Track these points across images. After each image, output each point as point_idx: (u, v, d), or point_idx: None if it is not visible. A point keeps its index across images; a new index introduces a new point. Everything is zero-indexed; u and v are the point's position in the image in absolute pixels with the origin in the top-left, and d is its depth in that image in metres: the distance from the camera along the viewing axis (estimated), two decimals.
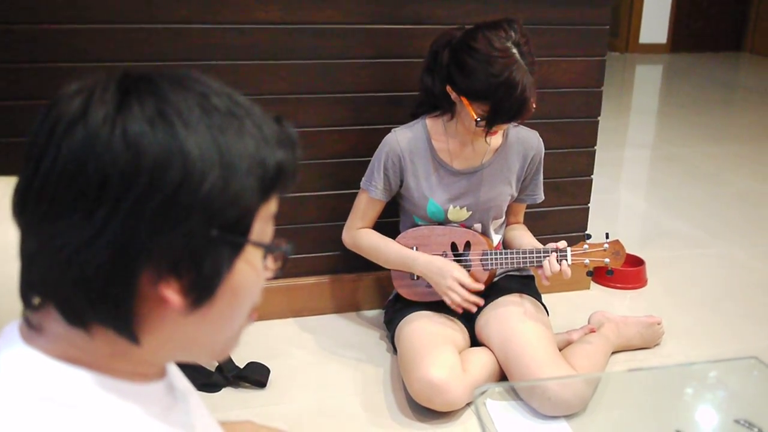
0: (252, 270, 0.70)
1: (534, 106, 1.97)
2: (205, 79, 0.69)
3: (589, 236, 2.14)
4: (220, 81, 0.70)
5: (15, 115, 2.11)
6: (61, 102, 0.65)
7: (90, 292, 0.64)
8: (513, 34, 1.93)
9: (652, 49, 8.61)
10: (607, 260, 2.11)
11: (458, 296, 2.09)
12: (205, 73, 0.70)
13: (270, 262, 0.73)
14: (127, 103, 0.63)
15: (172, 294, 0.65)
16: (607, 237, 2.14)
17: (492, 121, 1.97)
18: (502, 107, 1.93)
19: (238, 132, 0.66)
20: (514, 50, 1.91)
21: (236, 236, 0.67)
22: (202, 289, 0.67)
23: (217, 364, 2.11)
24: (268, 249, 0.72)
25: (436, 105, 2.13)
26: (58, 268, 0.64)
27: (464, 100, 1.99)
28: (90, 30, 2.08)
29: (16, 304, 0.72)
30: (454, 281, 2.09)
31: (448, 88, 2.02)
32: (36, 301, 0.69)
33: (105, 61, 2.10)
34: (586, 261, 2.10)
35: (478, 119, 1.98)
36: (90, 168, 0.62)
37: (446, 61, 2.01)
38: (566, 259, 2.07)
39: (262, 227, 0.71)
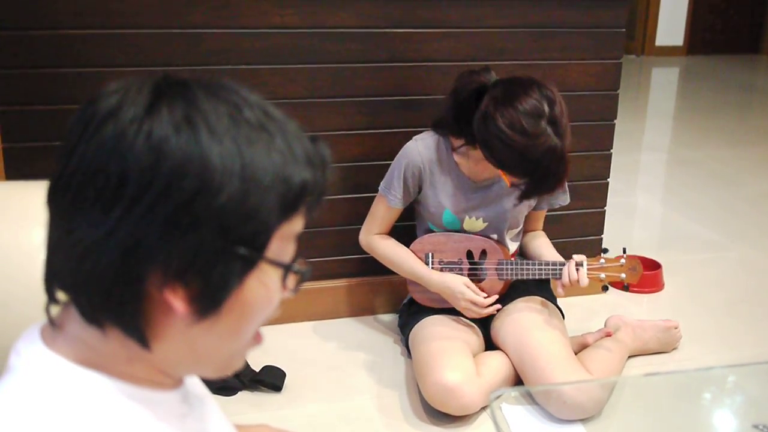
0: (264, 287, 0.69)
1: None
2: (243, 90, 0.69)
3: (606, 251, 2.12)
4: (259, 94, 0.70)
5: (37, 120, 2.12)
6: (99, 99, 0.65)
7: (100, 288, 0.65)
8: (546, 107, 1.84)
9: (669, 51, 8.57)
10: (623, 275, 2.09)
11: (475, 313, 2.12)
12: (235, 80, 0.70)
13: (288, 282, 0.72)
14: (157, 105, 0.64)
15: (176, 301, 0.65)
16: (624, 252, 2.13)
17: (528, 195, 1.97)
18: (540, 186, 1.92)
19: (266, 147, 0.65)
20: (549, 130, 1.83)
21: (249, 252, 0.66)
22: (208, 300, 0.66)
23: None
24: (283, 268, 0.70)
25: (462, 136, 2.07)
26: (74, 261, 0.65)
27: (500, 171, 1.96)
28: (108, 35, 2.10)
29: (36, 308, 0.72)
30: (467, 303, 2.10)
31: (481, 150, 1.95)
32: (59, 294, 0.69)
33: (124, 66, 2.12)
34: (602, 275, 2.09)
35: (514, 185, 1.97)
36: (112, 166, 0.62)
37: (477, 123, 1.92)
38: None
39: (282, 246, 0.69)
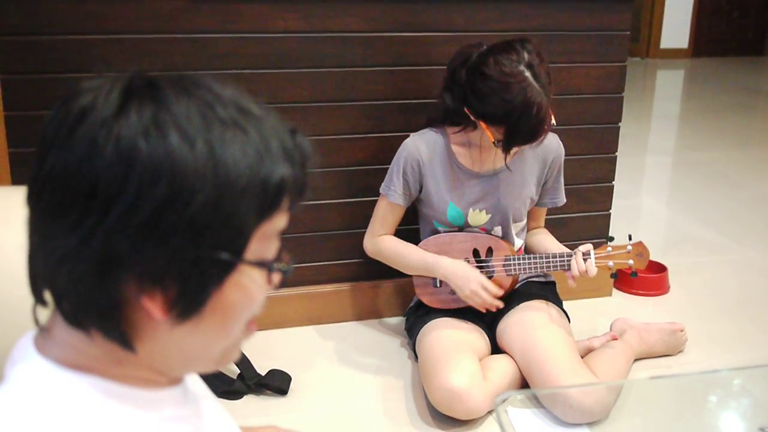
0: (246, 288, 0.68)
1: (554, 122, 1.98)
2: (216, 86, 0.67)
3: (611, 239, 2.13)
4: (236, 88, 0.68)
5: (38, 125, 2.12)
6: (72, 99, 0.64)
7: (78, 295, 0.64)
8: (526, 55, 1.92)
9: (674, 54, 8.57)
10: (630, 262, 2.10)
11: (480, 299, 2.10)
12: (222, 81, 0.68)
13: (273, 278, 0.70)
14: (126, 108, 0.62)
15: (154, 307, 0.64)
16: (630, 239, 2.13)
17: (509, 144, 1.98)
18: (517, 131, 1.94)
19: (241, 146, 0.63)
20: (527, 73, 1.90)
21: (227, 256, 0.64)
22: (187, 304, 0.65)
23: (238, 371, 2.12)
24: (264, 268, 0.69)
25: (457, 122, 2.12)
26: (52, 267, 0.64)
27: (482, 124, 2.00)
28: (111, 40, 2.11)
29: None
30: (478, 285, 2.09)
31: (467, 110, 2.03)
32: (47, 296, 0.69)
33: (126, 72, 2.12)
34: (610, 263, 2.09)
35: (497, 141, 1.99)
36: (82, 174, 0.61)
37: (463, 82, 2.01)
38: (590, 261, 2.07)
39: (263, 244, 0.68)
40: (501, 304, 2.13)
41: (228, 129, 0.64)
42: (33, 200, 0.65)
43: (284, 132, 0.68)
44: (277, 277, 0.71)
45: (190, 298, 0.65)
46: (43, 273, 0.66)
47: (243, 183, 0.63)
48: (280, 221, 0.69)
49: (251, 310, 0.71)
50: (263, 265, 0.68)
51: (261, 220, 0.66)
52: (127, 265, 0.62)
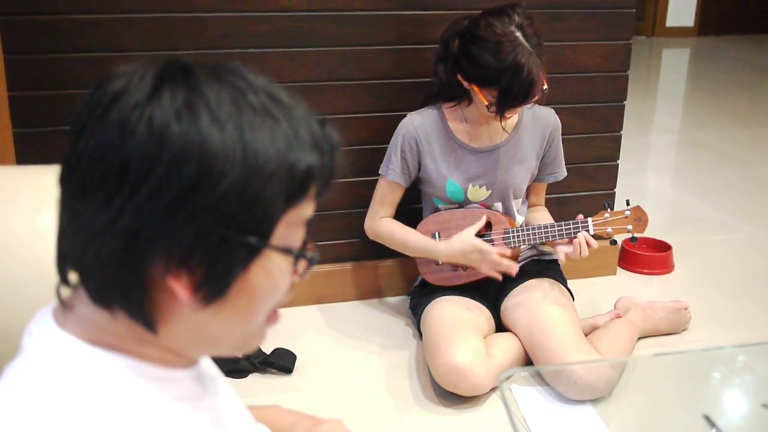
0: (271, 274, 0.69)
1: (545, 86, 1.99)
2: (248, 74, 0.68)
3: (609, 204, 2.13)
4: (267, 77, 0.69)
5: (46, 105, 2.13)
6: (106, 83, 0.66)
7: (105, 273, 0.65)
8: (516, 17, 1.95)
9: (679, 32, 8.50)
10: (629, 227, 2.10)
11: (491, 264, 2.10)
12: (242, 64, 0.69)
13: (298, 267, 0.71)
14: (159, 91, 0.63)
15: (180, 288, 0.65)
16: (627, 204, 2.13)
17: (502, 105, 1.99)
18: (510, 91, 1.95)
19: (270, 132, 0.65)
20: (518, 33, 1.93)
21: (253, 239, 0.66)
22: (212, 286, 0.66)
23: None
24: (290, 254, 0.70)
25: (452, 96, 2.14)
26: (80, 245, 0.65)
27: (475, 88, 2.02)
28: (115, 20, 2.10)
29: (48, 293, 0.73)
30: (480, 252, 2.09)
31: (459, 77, 2.04)
32: (71, 276, 0.70)
33: (130, 51, 2.12)
34: (609, 230, 2.09)
35: (489, 105, 1.99)
36: (114, 153, 0.62)
37: (456, 50, 2.03)
38: (588, 230, 2.07)
39: (289, 231, 0.69)
40: (513, 270, 2.12)
41: (258, 115, 0.65)
42: (66, 180, 0.67)
43: (313, 122, 0.69)
44: (302, 266, 0.72)
45: (215, 281, 0.66)
46: (72, 252, 0.67)
47: (271, 167, 0.64)
48: (306, 209, 0.70)
49: (275, 297, 0.72)
50: (289, 251, 0.69)
51: (288, 207, 0.67)
52: (154, 243, 0.63)
